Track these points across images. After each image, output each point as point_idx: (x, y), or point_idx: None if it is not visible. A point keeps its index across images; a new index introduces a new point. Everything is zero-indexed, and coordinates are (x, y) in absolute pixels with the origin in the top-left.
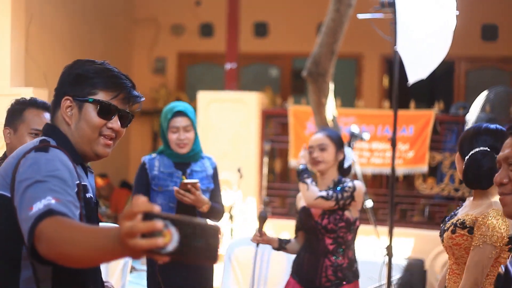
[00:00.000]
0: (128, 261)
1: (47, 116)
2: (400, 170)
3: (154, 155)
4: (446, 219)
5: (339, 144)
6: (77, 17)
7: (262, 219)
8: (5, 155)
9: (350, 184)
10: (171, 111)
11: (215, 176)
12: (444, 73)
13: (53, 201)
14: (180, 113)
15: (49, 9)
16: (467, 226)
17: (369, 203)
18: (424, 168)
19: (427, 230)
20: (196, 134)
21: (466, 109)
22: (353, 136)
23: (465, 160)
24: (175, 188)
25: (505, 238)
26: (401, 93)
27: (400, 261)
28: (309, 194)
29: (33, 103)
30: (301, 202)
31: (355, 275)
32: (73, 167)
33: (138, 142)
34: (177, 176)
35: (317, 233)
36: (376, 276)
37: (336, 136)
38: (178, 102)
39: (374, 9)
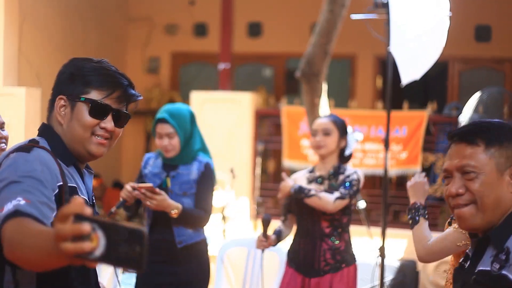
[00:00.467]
0: None
1: None
2: (393, 171)
3: (155, 153)
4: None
5: (343, 130)
6: (70, 16)
7: (266, 222)
8: None
9: (355, 176)
10: (156, 117)
11: (201, 181)
12: (437, 74)
13: (22, 202)
14: (162, 121)
15: (42, 8)
16: None
17: (362, 204)
18: (417, 169)
19: None
20: (189, 137)
21: (460, 109)
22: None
23: None
24: (135, 192)
25: None
26: (395, 94)
27: (393, 262)
28: (325, 201)
29: None
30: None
31: (353, 258)
32: (57, 168)
33: (130, 142)
34: (160, 177)
35: (313, 215)
36: (369, 277)
37: (341, 122)
38: (167, 106)
39: (368, 9)
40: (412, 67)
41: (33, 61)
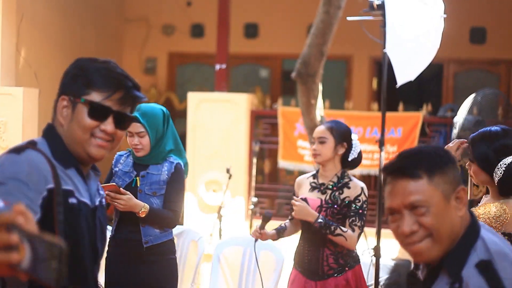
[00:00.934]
0: None
1: None
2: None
3: (126, 151)
4: None
5: (339, 137)
6: (68, 16)
7: (266, 219)
8: None
9: (363, 198)
10: None
11: (170, 182)
12: (432, 76)
13: (1, 204)
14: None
15: (40, 7)
16: None
17: None
18: None
19: None
20: (161, 137)
21: (454, 111)
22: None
23: (500, 170)
24: (106, 192)
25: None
26: (390, 95)
27: (387, 262)
28: (350, 242)
29: None
30: (301, 191)
31: (356, 260)
32: (50, 170)
33: (124, 142)
34: (130, 176)
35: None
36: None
37: (338, 129)
38: (141, 105)
39: (363, 11)
40: (407, 69)
41: (31, 61)
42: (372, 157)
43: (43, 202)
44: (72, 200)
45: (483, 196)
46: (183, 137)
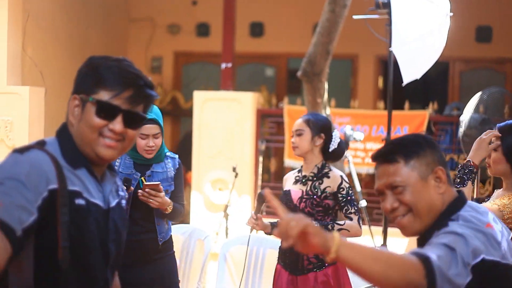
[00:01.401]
0: None
1: None
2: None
3: None
4: None
5: (316, 128)
6: (74, 15)
7: (261, 199)
8: None
9: (346, 185)
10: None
11: (177, 177)
12: (438, 74)
13: None
14: (151, 121)
15: (46, 6)
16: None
17: (363, 203)
18: None
19: None
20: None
21: (460, 110)
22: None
23: None
24: (139, 191)
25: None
26: (396, 94)
27: None
28: (354, 231)
29: None
30: (286, 185)
31: None
32: (54, 171)
33: None
34: (134, 178)
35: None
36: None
37: (315, 120)
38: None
39: (369, 10)
40: (413, 67)
41: (37, 59)
42: None
43: (43, 202)
44: (79, 201)
45: (495, 191)
46: (189, 136)
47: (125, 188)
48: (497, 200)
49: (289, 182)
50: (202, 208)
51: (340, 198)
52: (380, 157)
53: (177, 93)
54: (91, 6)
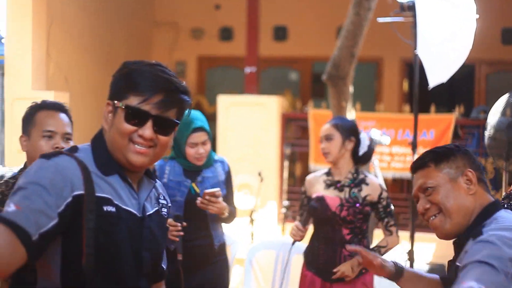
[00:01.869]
0: None
1: (62, 116)
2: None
3: (166, 160)
4: None
5: (346, 132)
6: (97, 20)
7: (314, 211)
8: (25, 166)
9: (385, 194)
10: (189, 127)
11: (227, 181)
12: (464, 77)
13: (10, 209)
14: (199, 129)
15: (70, 12)
16: None
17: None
18: None
19: None
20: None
21: (487, 113)
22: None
23: None
24: (198, 199)
25: None
26: (421, 97)
27: (421, 266)
28: (395, 243)
29: (42, 106)
30: (314, 189)
31: None
32: (80, 177)
33: None
34: (185, 185)
35: (333, 223)
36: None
37: (343, 124)
38: (194, 115)
39: (394, 12)
40: (439, 70)
41: (61, 64)
42: (405, 159)
43: (66, 208)
44: (109, 208)
45: None
46: (213, 140)
47: (178, 225)
48: None
49: (318, 186)
50: None
51: (381, 210)
52: (416, 167)
53: (201, 98)
54: (115, 11)
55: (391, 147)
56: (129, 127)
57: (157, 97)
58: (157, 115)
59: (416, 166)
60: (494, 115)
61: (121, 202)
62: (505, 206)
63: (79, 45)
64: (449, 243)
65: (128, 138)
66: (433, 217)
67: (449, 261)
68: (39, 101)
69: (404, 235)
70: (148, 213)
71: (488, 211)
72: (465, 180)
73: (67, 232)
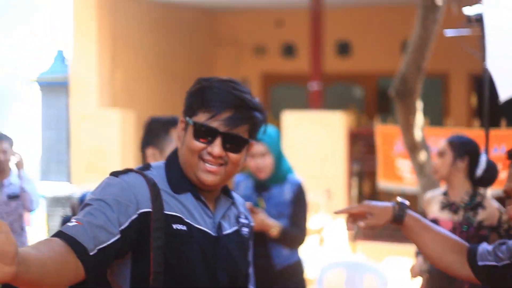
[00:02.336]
0: None
1: None
2: (493, 191)
3: (243, 175)
4: None
5: (459, 150)
6: (161, 38)
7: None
8: None
9: (504, 217)
10: None
11: (295, 201)
12: None
13: (71, 224)
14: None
15: (134, 30)
16: None
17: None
18: None
19: None
20: (279, 157)
21: None
22: None
23: None
24: None
25: None
26: (491, 111)
27: None
28: None
29: (177, 121)
30: (430, 209)
31: None
32: (148, 194)
33: None
34: (252, 199)
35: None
36: None
37: (458, 142)
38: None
39: (460, 25)
40: (510, 83)
41: (127, 82)
42: None
43: (130, 225)
44: (178, 226)
45: None
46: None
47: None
48: None
49: (434, 206)
50: None
51: (503, 234)
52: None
53: (267, 115)
54: (178, 29)
55: None
56: (198, 144)
57: (226, 114)
58: (226, 132)
59: None
60: None
61: (193, 220)
62: None
63: (143, 62)
64: None
65: (198, 155)
66: None
67: None
68: (168, 116)
69: None
70: (224, 232)
71: None
72: None
73: (136, 251)
